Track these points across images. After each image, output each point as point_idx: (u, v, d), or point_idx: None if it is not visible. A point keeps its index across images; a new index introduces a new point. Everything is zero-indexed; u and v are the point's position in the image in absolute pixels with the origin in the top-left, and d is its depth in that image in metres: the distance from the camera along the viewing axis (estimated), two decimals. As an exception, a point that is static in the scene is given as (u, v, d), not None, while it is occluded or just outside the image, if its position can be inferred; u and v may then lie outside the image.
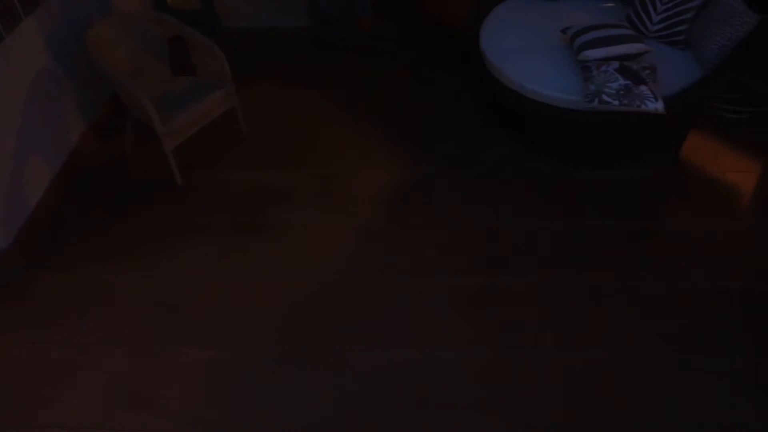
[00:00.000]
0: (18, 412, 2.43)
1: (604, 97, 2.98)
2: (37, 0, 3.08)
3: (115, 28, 3.33)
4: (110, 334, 2.70)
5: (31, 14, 3.05)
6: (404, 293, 2.82)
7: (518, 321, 2.69)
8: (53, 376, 2.55)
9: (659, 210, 3.18)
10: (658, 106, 2.94)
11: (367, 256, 3.00)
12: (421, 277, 2.89)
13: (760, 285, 2.78)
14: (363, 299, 2.80)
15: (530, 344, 2.60)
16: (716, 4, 3.21)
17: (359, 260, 2.98)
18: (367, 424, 2.35)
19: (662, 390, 2.41)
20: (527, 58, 3.37)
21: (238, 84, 3.46)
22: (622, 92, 2.96)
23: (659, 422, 2.31)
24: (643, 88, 2.96)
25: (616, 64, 3.08)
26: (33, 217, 3.11)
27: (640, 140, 3.38)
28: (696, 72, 3.24)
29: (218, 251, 3.04)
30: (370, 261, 2.98)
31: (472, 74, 3.88)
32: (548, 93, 3.17)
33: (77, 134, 3.53)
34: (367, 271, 2.93)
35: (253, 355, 2.60)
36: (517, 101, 3.31)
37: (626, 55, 3.14)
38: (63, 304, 2.82)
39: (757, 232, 3.04)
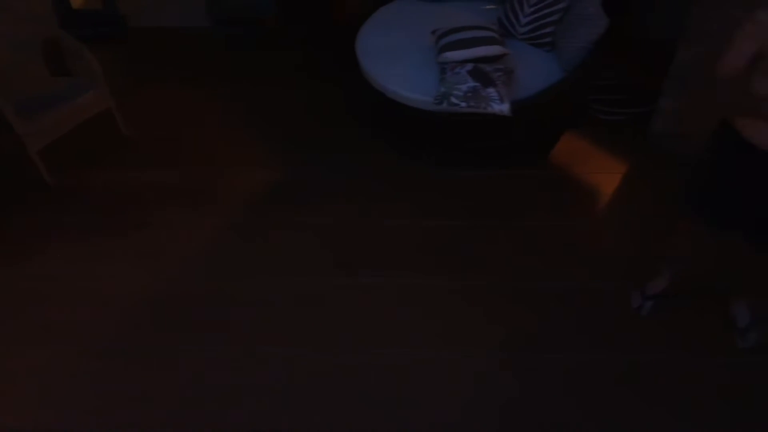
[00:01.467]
0: None
1: (453, 99, 3.01)
2: None
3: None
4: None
5: None
6: (271, 293, 2.84)
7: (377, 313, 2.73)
8: None
9: (518, 209, 3.21)
10: (503, 108, 2.96)
11: (234, 256, 3.03)
12: (290, 275, 2.92)
13: (599, 284, 2.80)
14: (225, 299, 2.83)
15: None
16: (575, 7, 3.24)
17: (224, 260, 3.01)
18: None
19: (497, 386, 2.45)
20: (395, 60, 3.40)
21: (133, 84, 3.50)
22: (469, 94, 2.99)
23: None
24: (490, 90, 2.99)
25: (470, 66, 3.10)
26: None
27: (507, 141, 3.40)
28: (560, 73, 3.27)
29: (86, 251, 3.07)
30: (235, 261, 3.01)
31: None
32: (408, 95, 3.20)
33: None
34: (230, 271, 2.96)
35: (98, 354, 2.62)
36: (384, 102, 3.34)
37: (485, 57, 3.17)
38: None
39: (605, 232, 3.07)
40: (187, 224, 3.20)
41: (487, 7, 3.81)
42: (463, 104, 3.00)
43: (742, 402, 2.36)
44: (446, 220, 3.16)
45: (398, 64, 3.37)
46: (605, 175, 3.39)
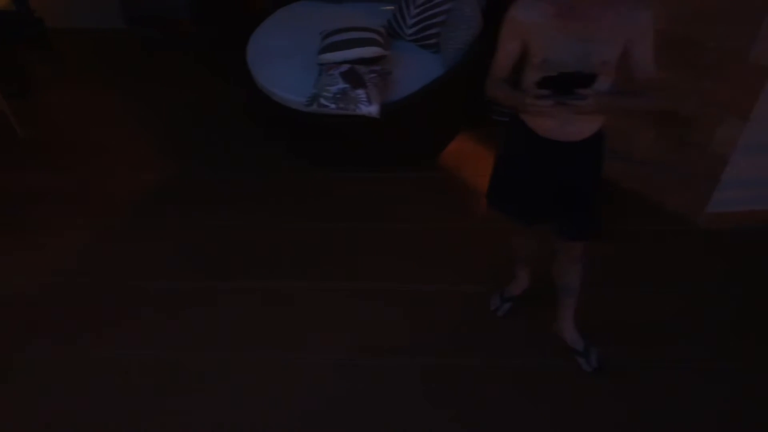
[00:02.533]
0: None
1: (322, 101, 3.00)
2: None
3: None
4: None
5: None
6: (134, 297, 2.84)
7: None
8: None
9: (394, 211, 3.20)
10: (371, 109, 2.95)
11: (104, 259, 3.02)
12: (149, 281, 2.91)
13: (470, 286, 2.80)
14: (96, 297, 2.84)
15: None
16: (455, 9, 3.23)
17: (96, 263, 3.00)
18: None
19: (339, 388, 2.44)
20: (279, 61, 3.38)
21: (44, 85, 3.47)
22: (338, 96, 2.98)
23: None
24: (359, 91, 2.98)
25: (346, 67, 3.09)
26: None
27: (388, 143, 3.39)
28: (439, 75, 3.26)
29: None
30: (104, 264, 3.00)
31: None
32: (284, 95, 3.19)
33: None
34: (98, 274, 2.95)
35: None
36: (270, 103, 3.33)
37: (362, 58, 3.16)
38: None
39: (477, 233, 3.06)
40: (70, 225, 3.19)
41: (385, 8, 3.80)
42: (333, 106, 2.99)
43: (602, 400, 2.36)
44: (321, 222, 3.16)
45: (282, 65, 3.35)
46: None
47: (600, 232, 2.15)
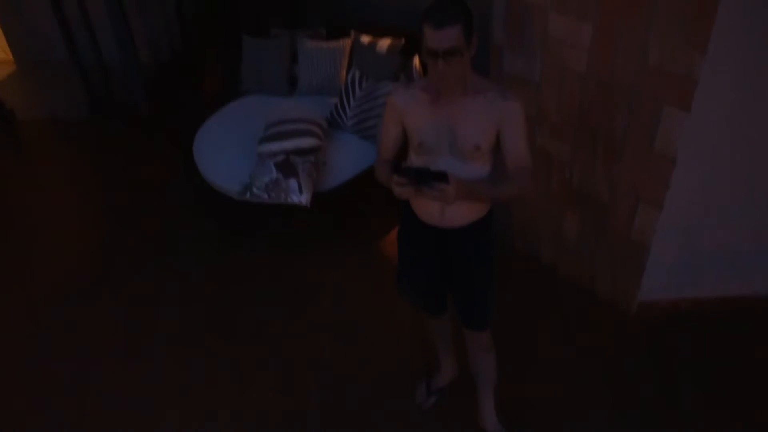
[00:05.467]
0: None
1: (255, 190, 3.07)
2: None
3: None
4: None
5: None
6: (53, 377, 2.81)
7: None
8: None
9: (313, 294, 3.18)
10: (302, 198, 3.02)
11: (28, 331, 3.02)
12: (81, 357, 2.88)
13: (387, 373, 2.74)
14: None
15: None
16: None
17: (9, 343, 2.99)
18: None
19: None
20: (223, 151, 3.49)
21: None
22: (270, 186, 3.05)
23: None
24: (292, 181, 3.05)
25: (282, 157, 3.18)
26: None
27: (325, 227, 3.45)
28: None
29: None
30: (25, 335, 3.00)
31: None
32: (223, 184, 3.27)
33: None
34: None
35: None
36: (210, 188, 3.40)
37: (298, 149, 3.25)
38: None
39: (403, 318, 3.02)
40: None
41: (332, 100, 3.95)
42: (265, 195, 3.05)
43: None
44: (244, 301, 3.15)
45: (224, 154, 3.46)
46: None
47: (490, 321, 2.13)
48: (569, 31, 2.56)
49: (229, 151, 3.48)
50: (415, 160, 1.92)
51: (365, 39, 3.80)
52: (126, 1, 4.59)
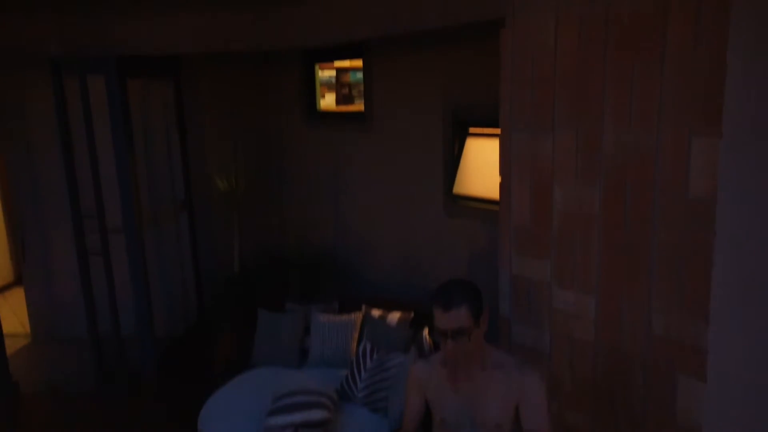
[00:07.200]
0: None
1: (259, 466, 2.89)
2: None
3: None
4: None
5: None
6: None
7: None
8: None
9: None
10: (308, 476, 2.83)
11: None
12: None
13: None
14: None
15: None
16: (400, 372, 3.36)
17: None
18: None
19: None
20: (230, 424, 3.38)
21: None
22: (276, 461, 2.88)
23: None
24: (298, 456, 2.90)
25: (290, 430, 3.07)
26: None
27: None
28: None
29: None
30: None
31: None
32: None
33: None
34: None
35: None
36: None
37: (307, 422, 3.16)
38: None
39: None
40: None
41: (343, 372, 3.94)
42: (271, 472, 2.87)
43: None
44: None
45: (228, 424, 3.36)
46: None
47: None
48: (574, 303, 2.70)
49: (236, 423, 3.37)
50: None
51: (375, 312, 3.97)
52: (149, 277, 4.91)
